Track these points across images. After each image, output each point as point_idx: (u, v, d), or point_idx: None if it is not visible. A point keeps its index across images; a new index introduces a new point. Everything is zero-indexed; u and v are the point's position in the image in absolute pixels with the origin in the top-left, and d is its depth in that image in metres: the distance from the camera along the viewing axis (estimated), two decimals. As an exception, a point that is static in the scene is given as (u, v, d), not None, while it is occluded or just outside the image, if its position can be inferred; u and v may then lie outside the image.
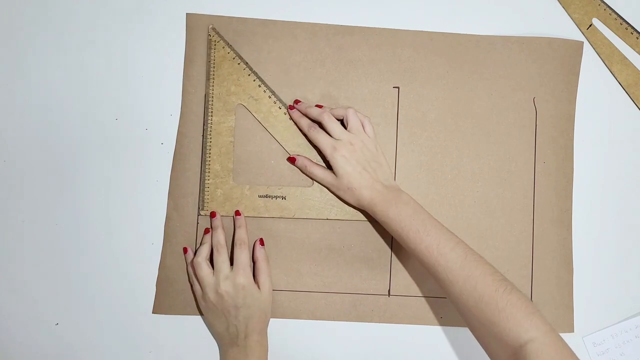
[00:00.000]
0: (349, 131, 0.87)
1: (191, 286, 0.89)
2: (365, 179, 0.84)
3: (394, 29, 0.93)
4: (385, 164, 0.87)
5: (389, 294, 0.90)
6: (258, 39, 0.92)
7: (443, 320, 0.90)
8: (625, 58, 0.95)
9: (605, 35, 0.96)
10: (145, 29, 0.93)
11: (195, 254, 0.87)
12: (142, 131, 0.92)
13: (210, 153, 0.90)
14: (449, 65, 0.93)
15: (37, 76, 0.92)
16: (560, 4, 0.96)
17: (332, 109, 0.89)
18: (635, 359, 0.90)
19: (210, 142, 0.90)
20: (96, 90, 0.92)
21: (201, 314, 0.89)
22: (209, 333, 0.89)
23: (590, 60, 0.96)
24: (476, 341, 0.90)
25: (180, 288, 0.90)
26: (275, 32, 0.93)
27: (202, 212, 0.90)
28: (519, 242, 0.91)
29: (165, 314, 0.89)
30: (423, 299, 0.91)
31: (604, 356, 0.91)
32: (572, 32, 0.96)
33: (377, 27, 0.93)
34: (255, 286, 0.86)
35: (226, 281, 0.84)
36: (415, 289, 0.91)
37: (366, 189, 0.84)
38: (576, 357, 0.70)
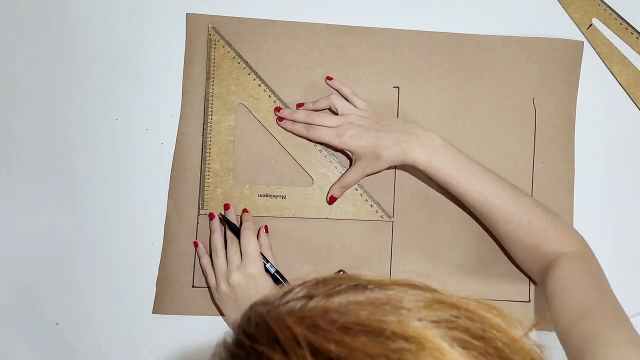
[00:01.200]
0: (341, 114, 0.87)
1: (205, 279, 0.88)
2: (386, 138, 0.83)
3: (394, 29, 0.93)
4: (392, 116, 0.89)
5: (388, 294, 0.90)
6: (258, 38, 0.92)
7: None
8: (625, 58, 0.95)
9: (605, 35, 0.96)
10: (145, 29, 0.93)
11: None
12: (142, 131, 0.92)
13: (210, 152, 0.90)
14: (449, 65, 0.93)
15: (37, 76, 0.92)
16: (560, 4, 0.96)
17: (314, 102, 0.89)
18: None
19: (210, 141, 0.90)
20: (96, 90, 0.92)
21: (216, 305, 0.88)
22: (209, 333, 0.89)
23: (590, 60, 0.96)
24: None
25: (180, 288, 0.89)
26: (275, 32, 0.92)
27: (202, 212, 0.90)
28: None
29: (165, 314, 0.89)
30: (423, 299, 0.90)
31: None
32: (572, 32, 0.96)
33: (377, 27, 0.93)
34: (266, 275, 0.85)
35: (237, 272, 0.83)
36: (415, 289, 0.90)
37: (394, 147, 0.82)
38: (599, 275, 0.78)
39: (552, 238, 0.81)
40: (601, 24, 0.96)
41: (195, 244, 0.89)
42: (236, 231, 0.87)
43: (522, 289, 0.91)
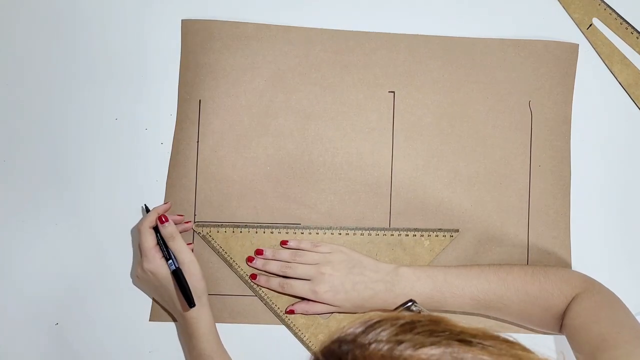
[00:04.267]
0: (310, 265, 0.87)
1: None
2: (363, 291, 0.85)
3: (389, 33, 0.93)
4: (360, 258, 0.87)
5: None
6: (253, 43, 0.92)
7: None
8: (626, 58, 0.95)
9: (606, 35, 0.95)
10: (145, 28, 0.93)
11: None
12: (142, 131, 0.92)
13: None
14: (444, 68, 0.93)
15: (37, 76, 0.92)
16: (561, 3, 0.95)
17: (273, 253, 0.89)
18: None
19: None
20: (96, 90, 0.92)
21: None
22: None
23: (590, 60, 0.95)
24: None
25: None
26: (270, 37, 0.92)
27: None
28: (515, 245, 0.91)
29: (161, 321, 0.89)
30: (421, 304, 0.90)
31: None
32: (572, 32, 0.95)
33: (372, 31, 0.93)
34: (166, 267, 0.83)
35: (137, 266, 0.85)
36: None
37: (372, 299, 0.84)
38: (611, 304, 0.78)
39: (553, 293, 0.81)
40: (601, 23, 0.95)
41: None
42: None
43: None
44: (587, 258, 0.92)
